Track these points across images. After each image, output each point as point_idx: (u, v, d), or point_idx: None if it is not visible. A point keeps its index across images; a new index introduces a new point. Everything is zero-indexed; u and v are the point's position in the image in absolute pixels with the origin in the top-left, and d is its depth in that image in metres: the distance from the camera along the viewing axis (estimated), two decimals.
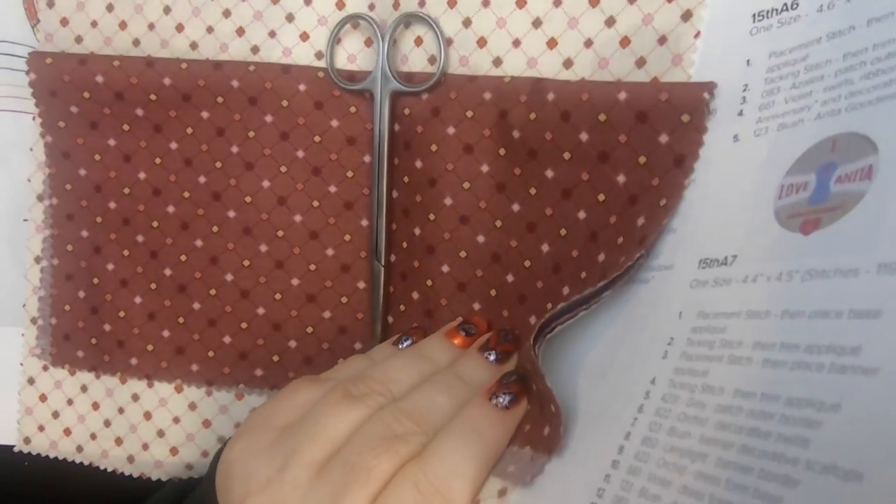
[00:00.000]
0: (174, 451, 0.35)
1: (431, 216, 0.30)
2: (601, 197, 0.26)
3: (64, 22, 0.34)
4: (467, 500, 0.22)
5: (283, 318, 0.33)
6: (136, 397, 0.35)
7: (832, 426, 0.16)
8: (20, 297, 0.36)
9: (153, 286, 0.34)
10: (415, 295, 0.32)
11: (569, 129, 0.27)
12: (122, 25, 0.33)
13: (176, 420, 0.35)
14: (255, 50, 0.32)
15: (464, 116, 0.29)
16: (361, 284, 0.33)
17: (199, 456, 0.35)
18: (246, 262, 0.33)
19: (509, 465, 0.24)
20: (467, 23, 0.29)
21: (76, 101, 0.33)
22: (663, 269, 0.24)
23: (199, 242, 0.34)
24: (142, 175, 0.34)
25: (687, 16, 0.25)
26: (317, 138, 0.32)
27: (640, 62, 0.26)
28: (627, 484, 0.20)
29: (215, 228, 0.33)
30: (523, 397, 0.25)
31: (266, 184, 0.33)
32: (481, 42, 0.29)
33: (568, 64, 0.28)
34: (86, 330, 0.35)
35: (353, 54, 0.31)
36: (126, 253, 0.34)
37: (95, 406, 0.36)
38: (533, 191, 0.28)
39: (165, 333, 0.34)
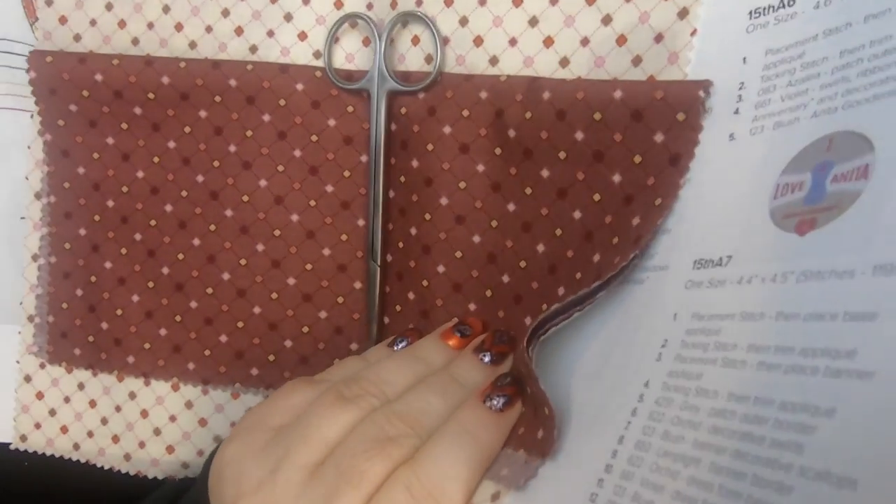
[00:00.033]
0: (170, 449, 0.35)
1: (427, 216, 0.30)
2: (596, 196, 0.26)
3: (62, 20, 0.34)
4: None
5: (279, 317, 0.33)
6: (132, 395, 0.35)
7: (826, 431, 0.16)
8: (17, 295, 0.36)
9: (151, 284, 0.34)
10: (411, 295, 0.32)
11: (564, 128, 0.26)
12: (122, 24, 0.33)
13: (172, 418, 0.35)
14: (253, 49, 0.32)
15: (460, 116, 0.29)
16: (358, 284, 0.33)
17: (194, 454, 0.35)
18: (243, 261, 0.33)
19: (503, 469, 0.23)
20: (464, 22, 0.29)
21: (75, 100, 0.33)
22: (658, 269, 0.24)
23: (196, 241, 0.34)
24: (140, 174, 0.34)
25: (683, 13, 0.25)
26: (314, 137, 0.32)
27: (637, 60, 0.26)
28: (620, 489, 0.20)
29: (213, 227, 0.33)
30: (518, 400, 0.25)
31: (263, 183, 0.33)
32: (478, 41, 0.29)
33: (564, 62, 0.27)
34: (83, 328, 0.35)
35: (351, 54, 0.31)
36: (124, 251, 0.34)
37: (92, 404, 0.36)
38: (528, 190, 0.28)
39: (162, 332, 0.34)
